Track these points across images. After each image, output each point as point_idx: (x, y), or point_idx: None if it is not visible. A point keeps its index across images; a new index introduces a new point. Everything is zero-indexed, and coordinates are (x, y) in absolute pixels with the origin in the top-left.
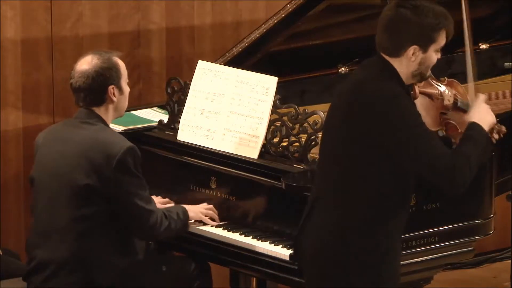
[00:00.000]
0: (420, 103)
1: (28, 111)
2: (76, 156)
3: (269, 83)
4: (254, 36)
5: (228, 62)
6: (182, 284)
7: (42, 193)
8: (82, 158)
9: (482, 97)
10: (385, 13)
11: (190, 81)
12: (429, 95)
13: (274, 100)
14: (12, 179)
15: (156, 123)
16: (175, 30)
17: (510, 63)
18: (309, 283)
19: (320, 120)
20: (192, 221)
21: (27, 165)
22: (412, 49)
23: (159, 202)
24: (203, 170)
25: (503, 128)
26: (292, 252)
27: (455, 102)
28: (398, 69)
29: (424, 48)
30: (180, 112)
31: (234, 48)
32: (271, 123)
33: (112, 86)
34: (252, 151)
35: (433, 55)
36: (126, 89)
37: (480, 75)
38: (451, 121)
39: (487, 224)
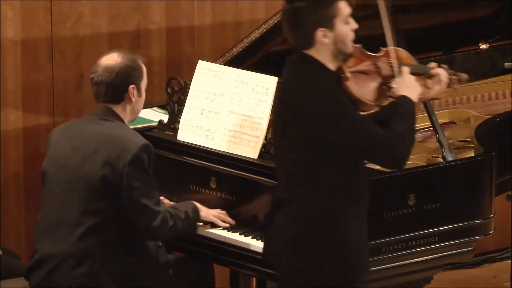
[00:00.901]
0: (358, 81)
1: (28, 111)
2: (91, 150)
3: (269, 83)
4: (254, 36)
5: (228, 62)
6: (184, 285)
7: (54, 187)
8: (97, 151)
9: (405, 69)
10: (282, 11)
11: (190, 81)
12: (363, 72)
13: (274, 100)
14: (12, 179)
15: (156, 123)
16: (175, 30)
17: (510, 63)
18: (283, 281)
19: None
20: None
21: (27, 165)
22: (319, 33)
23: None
24: (203, 170)
25: (464, 76)
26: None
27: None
28: (318, 58)
29: (330, 26)
30: (180, 112)
31: (234, 48)
32: (271, 123)
33: (133, 85)
34: (252, 151)
35: (344, 28)
36: (144, 93)
37: (480, 75)
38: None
39: (487, 224)
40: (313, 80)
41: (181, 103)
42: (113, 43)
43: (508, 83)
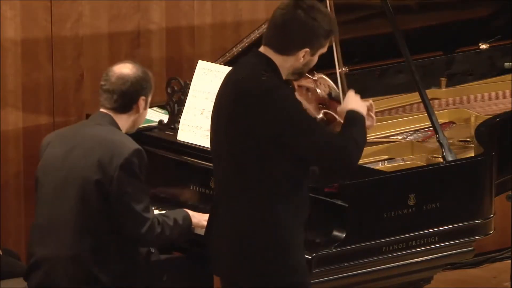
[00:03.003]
0: (301, 95)
1: (28, 111)
2: (84, 152)
3: None
4: (254, 36)
5: (228, 62)
6: (183, 284)
7: (46, 189)
8: (90, 154)
9: (351, 91)
10: (280, 11)
11: (190, 81)
12: (306, 88)
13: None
14: (12, 179)
15: (156, 123)
16: (175, 30)
17: (510, 63)
18: (227, 281)
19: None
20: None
21: (27, 165)
22: (303, 52)
23: None
24: (203, 170)
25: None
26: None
27: (329, 93)
28: (279, 64)
29: (313, 52)
30: (180, 112)
31: (234, 48)
32: None
33: (144, 97)
34: None
35: (316, 58)
36: (148, 106)
37: (480, 75)
38: (329, 111)
39: (487, 224)
40: (272, 81)
41: (181, 103)
42: (113, 43)
43: (508, 83)
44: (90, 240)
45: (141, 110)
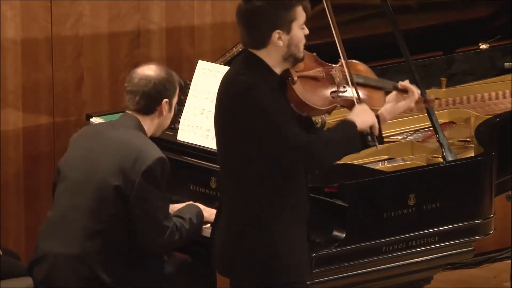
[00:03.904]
0: (306, 86)
1: (28, 111)
2: (106, 154)
3: None
4: None
5: (228, 62)
6: (185, 285)
7: (65, 186)
8: (112, 157)
9: (363, 104)
10: (238, 10)
11: (190, 81)
12: (312, 77)
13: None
14: (12, 179)
15: None
16: (175, 30)
17: (510, 63)
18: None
19: (320, 120)
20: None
21: (27, 165)
22: (276, 34)
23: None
24: (203, 170)
25: (432, 97)
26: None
27: (346, 80)
28: (267, 59)
29: (287, 29)
30: (180, 112)
31: (234, 48)
32: None
33: (167, 100)
34: None
35: (299, 32)
36: (173, 109)
37: (480, 75)
38: (349, 98)
39: (487, 224)
40: (246, 79)
41: (181, 103)
42: (113, 43)
43: (508, 83)
44: (98, 241)
45: (164, 113)
